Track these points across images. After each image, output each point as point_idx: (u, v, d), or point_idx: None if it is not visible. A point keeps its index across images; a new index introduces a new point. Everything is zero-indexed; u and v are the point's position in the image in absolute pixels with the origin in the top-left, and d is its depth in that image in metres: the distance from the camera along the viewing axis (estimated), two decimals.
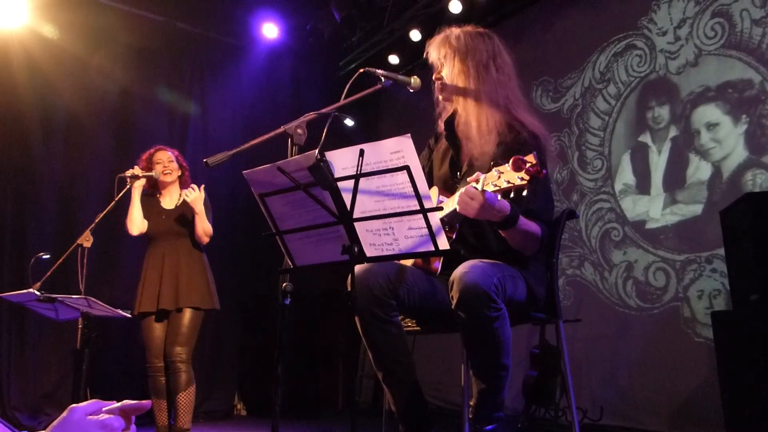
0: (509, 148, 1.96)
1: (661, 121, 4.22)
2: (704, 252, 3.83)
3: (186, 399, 3.38)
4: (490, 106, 2.10)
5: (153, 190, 3.67)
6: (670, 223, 4.07)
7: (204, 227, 3.51)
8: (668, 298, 3.99)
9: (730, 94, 3.83)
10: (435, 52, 2.20)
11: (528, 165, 1.65)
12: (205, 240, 3.56)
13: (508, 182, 1.68)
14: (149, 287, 3.46)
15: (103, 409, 0.89)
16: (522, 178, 1.66)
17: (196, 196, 3.46)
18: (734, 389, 2.80)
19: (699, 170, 3.95)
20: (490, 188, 1.72)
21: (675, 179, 4.08)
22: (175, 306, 3.41)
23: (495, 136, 2.05)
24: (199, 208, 3.47)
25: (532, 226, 1.97)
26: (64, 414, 0.87)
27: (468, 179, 1.80)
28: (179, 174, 3.66)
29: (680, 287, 3.93)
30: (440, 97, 2.23)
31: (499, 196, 1.73)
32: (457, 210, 1.83)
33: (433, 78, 2.21)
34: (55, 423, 0.86)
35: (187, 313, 3.41)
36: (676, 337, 3.87)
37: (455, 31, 2.20)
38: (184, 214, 3.56)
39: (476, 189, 1.74)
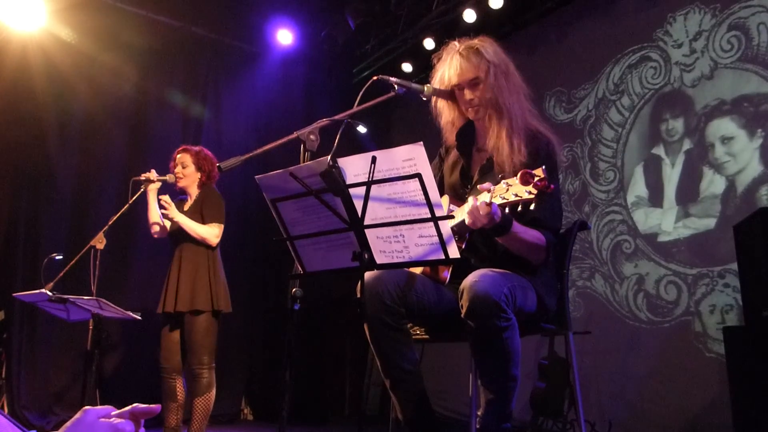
0: (536, 159, 1.97)
1: (675, 133, 4.20)
2: (717, 266, 3.80)
3: (201, 404, 3.37)
4: (519, 118, 2.11)
5: (184, 192, 3.66)
6: (682, 236, 4.04)
7: (197, 233, 3.43)
8: (679, 312, 3.96)
9: (746, 107, 3.81)
10: (470, 70, 2.10)
11: (536, 179, 1.64)
12: (209, 242, 3.46)
13: (516, 195, 1.69)
14: (164, 289, 3.48)
15: (113, 413, 0.90)
16: (530, 192, 1.66)
17: (167, 212, 3.42)
18: (745, 406, 2.77)
19: (713, 184, 3.92)
20: (497, 200, 1.72)
21: (688, 192, 4.06)
22: (175, 309, 3.38)
23: (524, 147, 2.05)
24: (179, 219, 3.42)
25: (532, 234, 1.97)
26: (77, 415, 0.87)
27: (478, 186, 1.80)
28: (197, 176, 3.60)
29: (692, 301, 3.90)
30: (477, 116, 2.17)
31: (507, 209, 1.73)
32: (467, 223, 1.83)
33: (468, 98, 2.13)
34: (68, 424, 0.86)
35: (196, 320, 3.38)
36: (687, 351, 3.83)
37: (482, 43, 2.15)
38: (193, 216, 3.54)
39: (486, 202, 1.75)
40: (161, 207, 3.47)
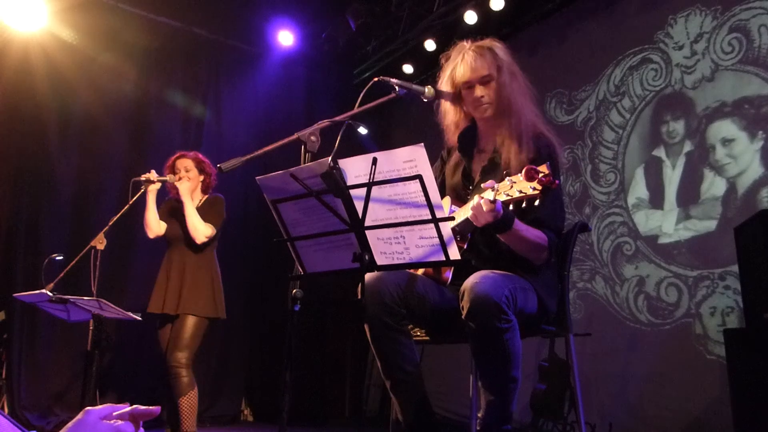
0: (537, 160, 1.98)
1: (676, 135, 4.19)
2: (717, 268, 3.80)
3: (188, 402, 3.37)
4: (527, 118, 2.13)
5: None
6: (683, 238, 4.03)
7: (193, 224, 3.44)
8: (680, 314, 3.95)
9: (747, 109, 3.80)
10: (483, 67, 2.11)
11: (541, 175, 1.65)
12: (198, 239, 3.45)
13: (521, 192, 1.69)
14: (157, 290, 3.48)
15: (114, 413, 0.90)
16: (534, 188, 1.67)
17: (181, 185, 3.47)
18: (746, 408, 2.76)
19: (713, 186, 3.92)
20: (502, 197, 1.73)
21: (689, 194, 4.05)
22: (176, 311, 3.39)
23: (531, 147, 2.06)
24: (186, 199, 3.44)
25: (534, 233, 1.97)
26: (79, 416, 0.87)
27: (482, 185, 1.81)
28: (200, 180, 3.63)
29: (692, 303, 3.89)
30: (486, 114, 2.17)
31: (511, 206, 1.74)
32: (471, 219, 1.83)
33: (479, 95, 2.13)
34: (69, 425, 0.86)
35: (189, 320, 3.39)
36: (688, 354, 3.83)
37: (493, 44, 2.17)
38: None
39: (489, 200, 1.75)
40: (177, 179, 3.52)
